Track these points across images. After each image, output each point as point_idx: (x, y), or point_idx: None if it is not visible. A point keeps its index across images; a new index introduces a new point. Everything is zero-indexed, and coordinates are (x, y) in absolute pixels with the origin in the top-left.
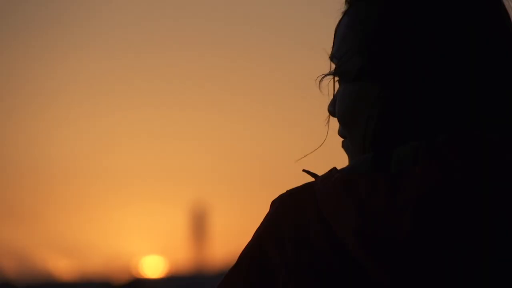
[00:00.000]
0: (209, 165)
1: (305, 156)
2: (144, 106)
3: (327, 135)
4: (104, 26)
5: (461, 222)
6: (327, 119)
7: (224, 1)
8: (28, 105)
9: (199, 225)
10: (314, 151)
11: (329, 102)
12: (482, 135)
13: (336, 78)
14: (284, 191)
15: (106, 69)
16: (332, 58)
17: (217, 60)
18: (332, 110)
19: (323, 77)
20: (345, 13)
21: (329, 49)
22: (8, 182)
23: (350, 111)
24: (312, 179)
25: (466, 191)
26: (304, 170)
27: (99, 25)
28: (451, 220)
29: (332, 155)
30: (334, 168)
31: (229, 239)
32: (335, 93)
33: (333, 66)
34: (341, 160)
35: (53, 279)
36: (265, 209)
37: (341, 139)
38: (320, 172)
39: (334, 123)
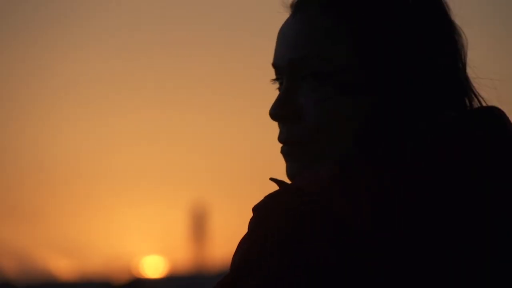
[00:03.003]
0: (209, 165)
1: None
2: (144, 107)
3: None
4: (106, 26)
5: (461, 222)
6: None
7: (222, 3)
8: (29, 105)
9: (199, 225)
10: None
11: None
12: (483, 135)
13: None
14: None
15: (108, 71)
16: (314, 58)
17: (217, 61)
18: (281, 112)
19: (318, 78)
20: (325, 14)
21: None
22: (8, 182)
23: (335, 118)
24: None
25: (466, 191)
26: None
27: (102, 25)
28: (451, 220)
29: None
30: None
31: (229, 239)
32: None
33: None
34: None
35: (53, 279)
36: None
37: None
38: None
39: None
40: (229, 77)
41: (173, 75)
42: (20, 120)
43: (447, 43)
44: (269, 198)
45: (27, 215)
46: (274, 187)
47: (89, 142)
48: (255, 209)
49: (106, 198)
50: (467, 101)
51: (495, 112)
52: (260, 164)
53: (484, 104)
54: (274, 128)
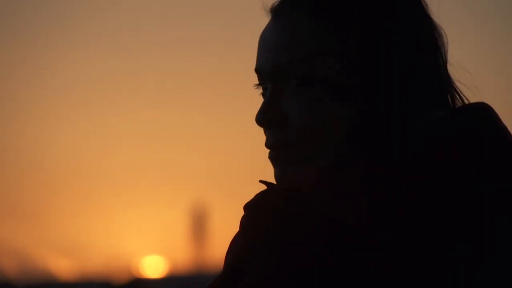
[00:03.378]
0: (209, 165)
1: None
2: (144, 107)
3: None
4: (106, 26)
5: (461, 222)
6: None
7: (222, 3)
8: (29, 105)
9: (199, 225)
10: None
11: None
12: (482, 134)
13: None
14: None
15: (108, 71)
16: (307, 59)
17: (217, 61)
18: (268, 116)
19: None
20: (315, 18)
21: None
22: (9, 182)
23: (323, 119)
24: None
25: (465, 191)
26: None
27: (102, 25)
28: (451, 220)
29: None
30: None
31: (229, 239)
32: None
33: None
34: None
35: (53, 279)
36: None
37: None
38: None
39: None
40: (229, 78)
41: (173, 75)
42: (20, 120)
43: (428, 41)
44: (260, 196)
45: (27, 215)
46: None
47: (89, 142)
48: (247, 207)
49: (106, 198)
50: (449, 99)
51: (487, 109)
52: (260, 164)
53: (466, 101)
54: None
